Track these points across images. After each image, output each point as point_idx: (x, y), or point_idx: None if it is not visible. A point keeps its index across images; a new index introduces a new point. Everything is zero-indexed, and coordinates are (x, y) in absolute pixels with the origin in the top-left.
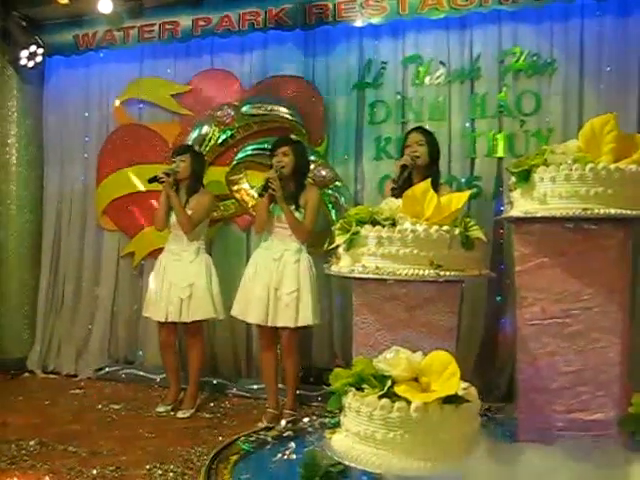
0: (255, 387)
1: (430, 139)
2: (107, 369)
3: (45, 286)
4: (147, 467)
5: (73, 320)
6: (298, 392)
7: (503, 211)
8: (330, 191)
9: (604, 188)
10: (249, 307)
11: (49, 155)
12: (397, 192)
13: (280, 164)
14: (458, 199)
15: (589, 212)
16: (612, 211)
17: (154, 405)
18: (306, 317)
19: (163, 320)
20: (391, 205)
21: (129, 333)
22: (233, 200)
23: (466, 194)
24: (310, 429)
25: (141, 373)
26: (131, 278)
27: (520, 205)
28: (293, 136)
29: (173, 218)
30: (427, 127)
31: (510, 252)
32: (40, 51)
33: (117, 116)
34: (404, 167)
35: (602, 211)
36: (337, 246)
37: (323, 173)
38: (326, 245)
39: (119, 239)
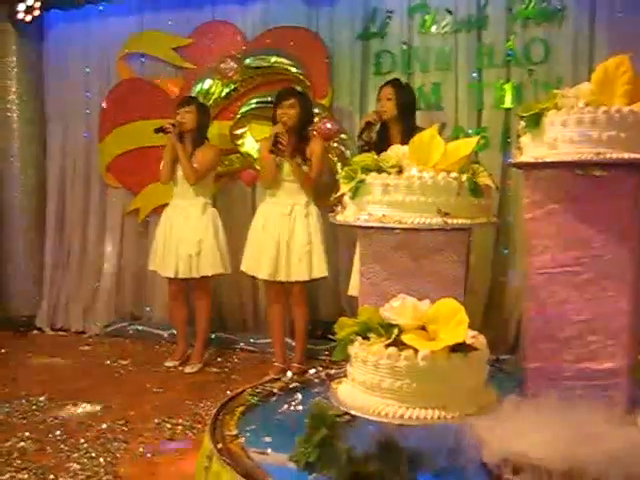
0: (262, 342)
1: (400, 93)
2: (115, 325)
3: (51, 244)
4: (155, 421)
5: (80, 277)
6: (306, 346)
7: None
8: (335, 144)
9: (617, 132)
10: (260, 262)
11: (51, 111)
12: (367, 148)
13: (285, 116)
14: (466, 145)
15: (601, 157)
16: (625, 155)
17: (162, 360)
18: (320, 269)
19: (172, 276)
20: (397, 152)
21: (136, 289)
22: (237, 154)
23: (474, 139)
24: (316, 380)
25: (148, 329)
26: (137, 234)
27: (530, 150)
28: (297, 87)
29: (179, 172)
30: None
31: (517, 201)
32: (37, 5)
33: (118, 71)
34: (368, 124)
35: (614, 156)
36: (342, 195)
37: (328, 126)
38: (332, 197)
39: (124, 196)
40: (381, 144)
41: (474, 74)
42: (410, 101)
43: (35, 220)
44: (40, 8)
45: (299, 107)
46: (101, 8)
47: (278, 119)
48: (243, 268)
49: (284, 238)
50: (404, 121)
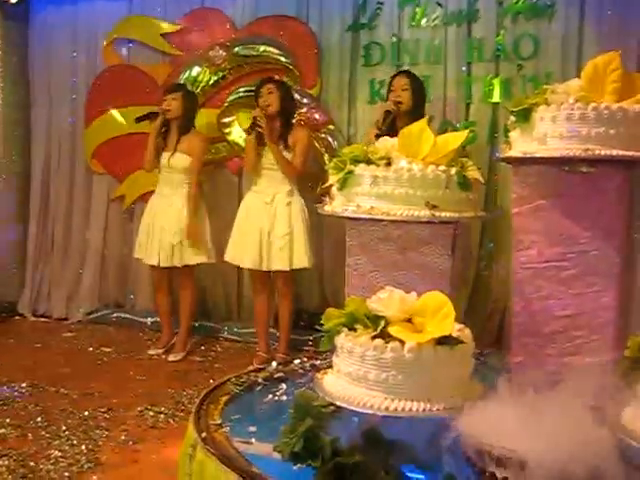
0: (246, 331)
1: (415, 84)
2: (98, 312)
3: (34, 230)
4: (138, 409)
5: (63, 264)
6: (290, 336)
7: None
8: (323, 135)
9: (606, 128)
10: (243, 251)
11: (36, 96)
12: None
13: (266, 102)
14: (455, 138)
15: (589, 153)
16: (613, 152)
17: (145, 348)
18: (301, 260)
19: (155, 264)
20: (386, 144)
21: (120, 277)
22: (224, 143)
23: (464, 133)
24: (301, 371)
25: (132, 316)
26: (121, 221)
27: (519, 145)
28: (277, 77)
29: (163, 159)
30: (413, 71)
31: (503, 196)
32: None
33: (105, 56)
34: (388, 113)
35: (603, 152)
36: (330, 186)
37: (316, 116)
38: (319, 188)
39: (109, 182)
40: (391, 135)
41: (463, 68)
42: (423, 92)
43: (19, 205)
44: None
45: (278, 93)
46: None
47: (259, 106)
48: (227, 258)
49: (265, 227)
50: (417, 112)
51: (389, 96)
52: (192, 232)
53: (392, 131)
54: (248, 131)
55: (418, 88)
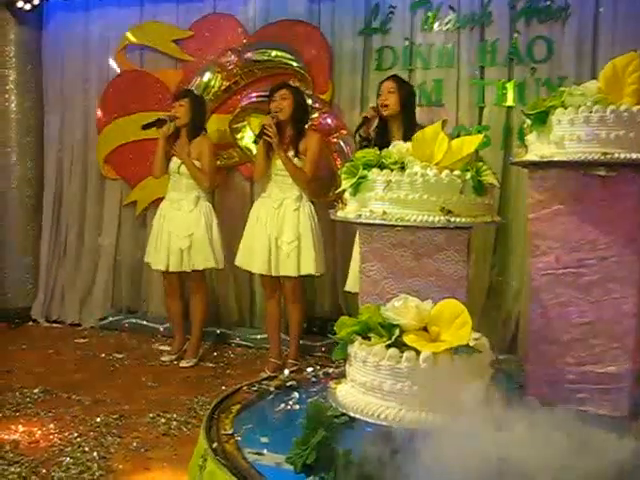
0: (258, 337)
1: (402, 87)
2: (110, 318)
3: (47, 236)
4: (150, 415)
5: (76, 269)
6: (301, 342)
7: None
8: (335, 140)
9: (626, 131)
10: (252, 257)
11: (49, 102)
12: (366, 144)
13: (278, 108)
14: (469, 143)
15: (609, 157)
16: (633, 156)
17: (157, 354)
18: (308, 266)
19: (164, 269)
20: (400, 148)
21: (132, 283)
22: (237, 148)
23: (478, 137)
24: (314, 379)
25: (144, 322)
26: (134, 227)
27: (535, 149)
28: (291, 82)
29: (172, 165)
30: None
31: (517, 200)
32: None
33: (118, 62)
34: (366, 119)
35: (622, 156)
36: (343, 191)
37: (328, 121)
38: (331, 194)
39: (121, 188)
40: (381, 140)
41: (476, 72)
42: (412, 96)
43: (32, 211)
44: None
45: (291, 99)
46: None
47: (271, 112)
48: (237, 263)
49: (273, 233)
50: (405, 117)
51: (377, 100)
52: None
53: (383, 135)
54: (256, 140)
55: (405, 91)
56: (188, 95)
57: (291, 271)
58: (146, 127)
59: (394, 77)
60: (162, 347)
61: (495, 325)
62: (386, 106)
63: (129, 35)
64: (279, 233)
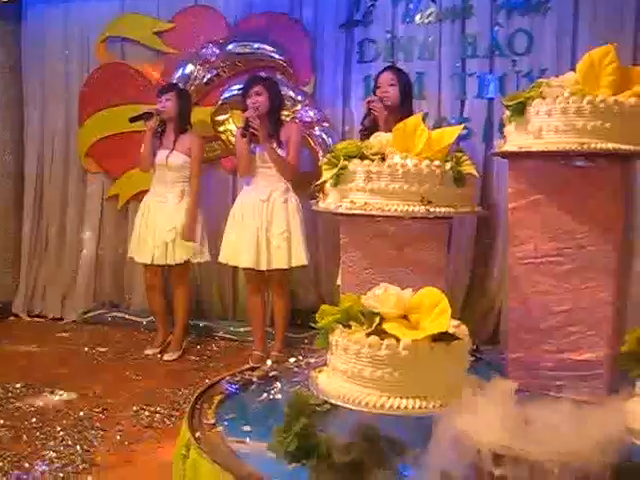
0: (242, 330)
1: (402, 79)
2: (93, 312)
3: (28, 229)
4: (134, 409)
5: (58, 263)
6: (285, 335)
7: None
8: (318, 132)
9: (602, 122)
10: (240, 251)
11: (29, 95)
12: (366, 134)
13: (255, 104)
14: (450, 133)
15: (585, 147)
16: (610, 146)
17: (140, 348)
18: (299, 257)
19: (149, 262)
20: (380, 139)
21: (115, 276)
22: (219, 141)
23: (458, 128)
24: (296, 369)
25: (127, 316)
26: (116, 221)
27: (514, 140)
28: (264, 74)
29: (158, 158)
30: (407, 68)
31: (499, 191)
32: None
33: (98, 54)
34: (370, 111)
35: (599, 146)
36: (324, 182)
37: (310, 114)
38: (313, 185)
39: (103, 181)
40: (379, 131)
41: (457, 64)
42: (411, 86)
43: (13, 205)
44: None
45: (267, 93)
46: None
47: (248, 108)
48: (221, 259)
49: (263, 225)
50: (405, 107)
51: (375, 92)
52: (190, 232)
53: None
54: (243, 133)
55: (405, 83)
56: (174, 89)
57: (282, 263)
58: (133, 120)
59: (392, 68)
60: (147, 351)
61: (477, 316)
62: (387, 98)
63: (110, 27)
64: (268, 225)
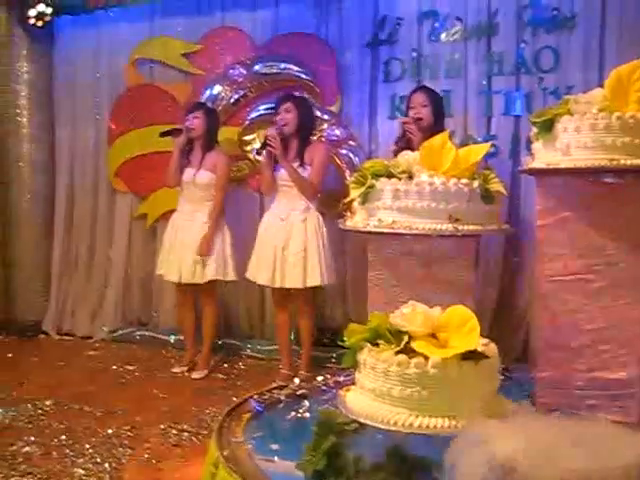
0: (269, 349)
1: (434, 99)
2: (121, 331)
3: (59, 248)
4: (161, 427)
5: (87, 282)
6: (312, 354)
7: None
8: (344, 151)
9: (631, 138)
10: (259, 268)
11: (60, 116)
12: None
13: (283, 121)
14: (477, 151)
15: (615, 163)
16: (639, 162)
17: (168, 366)
18: (314, 278)
19: (177, 281)
20: (407, 157)
21: (143, 295)
22: (246, 161)
23: (485, 146)
24: (324, 387)
25: (155, 334)
26: (144, 240)
27: (542, 156)
28: (297, 93)
29: (186, 176)
30: (433, 86)
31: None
32: (49, 10)
33: (128, 76)
34: (403, 134)
35: (629, 162)
36: (352, 201)
37: (337, 132)
38: (340, 204)
39: (132, 200)
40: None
41: (484, 82)
42: (442, 106)
43: (43, 225)
44: (51, 13)
45: (296, 111)
46: (111, 14)
47: (276, 125)
48: (247, 275)
49: (280, 244)
50: (437, 127)
51: (408, 113)
52: (205, 249)
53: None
54: (259, 151)
55: (437, 103)
56: (202, 107)
57: (296, 282)
58: (164, 135)
59: (424, 89)
60: (175, 369)
61: (506, 334)
62: (420, 119)
63: (139, 50)
64: (285, 244)
